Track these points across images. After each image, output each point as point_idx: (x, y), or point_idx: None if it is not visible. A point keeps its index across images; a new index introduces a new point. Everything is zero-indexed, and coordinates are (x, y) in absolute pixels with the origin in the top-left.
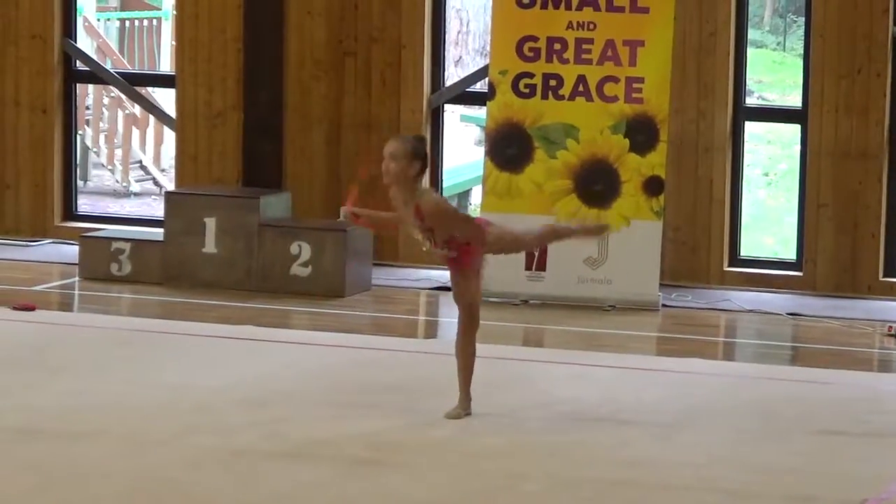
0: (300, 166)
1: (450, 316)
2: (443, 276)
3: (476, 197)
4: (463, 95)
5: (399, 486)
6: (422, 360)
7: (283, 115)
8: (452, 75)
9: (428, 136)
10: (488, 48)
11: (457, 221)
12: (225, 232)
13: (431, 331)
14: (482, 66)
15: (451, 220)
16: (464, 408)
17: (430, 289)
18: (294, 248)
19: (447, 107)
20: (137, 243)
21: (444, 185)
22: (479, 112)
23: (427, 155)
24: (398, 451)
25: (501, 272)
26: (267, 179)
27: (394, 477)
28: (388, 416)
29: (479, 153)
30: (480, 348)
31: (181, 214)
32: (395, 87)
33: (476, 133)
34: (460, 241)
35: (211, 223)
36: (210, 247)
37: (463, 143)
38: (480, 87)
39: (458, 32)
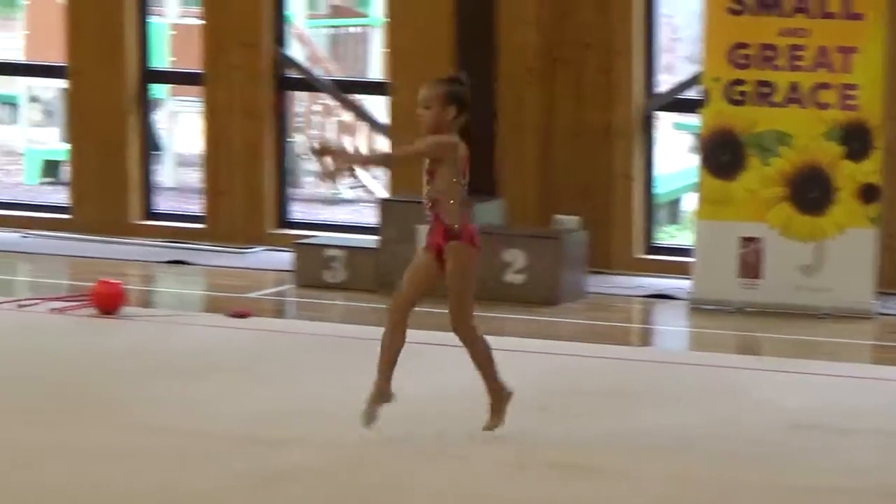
0: (513, 174)
1: (665, 324)
2: (657, 283)
3: (689, 204)
4: (675, 103)
5: (614, 493)
6: (636, 367)
7: (496, 123)
8: (663, 82)
9: (641, 144)
10: (699, 55)
11: (449, 155)
12: None
13: (646, 339)
14: (693, 72)
15: (446, 151)
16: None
17: (644, 296)
18: (508, 256)
19: (660, 114)
20: (351, 250)
21: (658, 192)
22: (692, 119)
23: (465, 97)
24: (613, 458)
25: (715, 280)
26: (480, 187)
27: (609, 484)
28: (603, 423)
29: (693, 160)
30: (693, 356)
31: (395, 221)
32: (606, 94)
33: (689, 140)
34: (442, 208)
35: (424, 230)
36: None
37: (676, 150)
38: (692, 94)
39: (669, 39)
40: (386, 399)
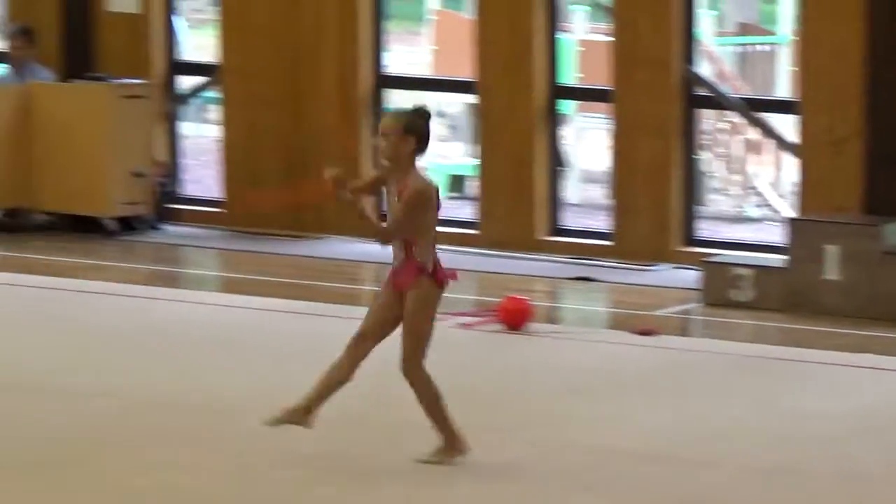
0: None
1: None
2: None
3: None
4: None
5: None
6: None
7: None
8: None
9: None
10: None
11: (421, 217)
12: (847, 259)
13: None
14: None
15: (420, 212)
16: None
17: None
18: None
19: None
20: (759, 269)
21: None
22: None
23: (425, 130)
24: None
25: None
26: (890, 207)
27: None
28: None
29: None
30: None
31: (803, 241)
32: None
33: None
34: (417, 247)
35: (832, 250)
36: (831, 274)
37: None
38: None
39: None
40: (300, 421)
